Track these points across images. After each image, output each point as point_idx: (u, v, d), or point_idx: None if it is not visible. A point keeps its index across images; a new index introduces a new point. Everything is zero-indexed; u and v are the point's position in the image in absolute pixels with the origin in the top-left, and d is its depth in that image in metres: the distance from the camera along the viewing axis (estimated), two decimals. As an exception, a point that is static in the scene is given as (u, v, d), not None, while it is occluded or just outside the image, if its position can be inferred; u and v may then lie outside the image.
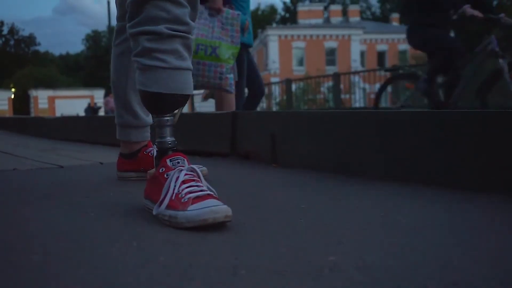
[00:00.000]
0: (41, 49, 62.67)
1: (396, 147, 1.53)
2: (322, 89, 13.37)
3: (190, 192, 1.03)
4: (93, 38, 55.99)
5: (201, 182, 1.08)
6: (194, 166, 1.11)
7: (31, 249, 0.86)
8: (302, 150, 1.89)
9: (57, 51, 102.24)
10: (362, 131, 1.65)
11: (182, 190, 1.04)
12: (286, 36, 32.71)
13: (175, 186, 1.06)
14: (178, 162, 1.13)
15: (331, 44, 33.06)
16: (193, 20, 1.23)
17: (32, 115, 20.32)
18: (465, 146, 1.35)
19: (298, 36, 32.90)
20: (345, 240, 0.88)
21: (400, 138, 1.52)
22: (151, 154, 1.69)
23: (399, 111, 1.63)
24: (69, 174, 1.92)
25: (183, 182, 1.06)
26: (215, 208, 0.97)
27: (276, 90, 13.78)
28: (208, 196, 1.02)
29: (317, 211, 1.14)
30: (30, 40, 53.06)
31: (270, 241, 0.88)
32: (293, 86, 12.67)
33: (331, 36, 33.09)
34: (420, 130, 1.47)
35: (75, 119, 4.69)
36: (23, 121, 6.21)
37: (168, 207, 1.03)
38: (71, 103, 29.14)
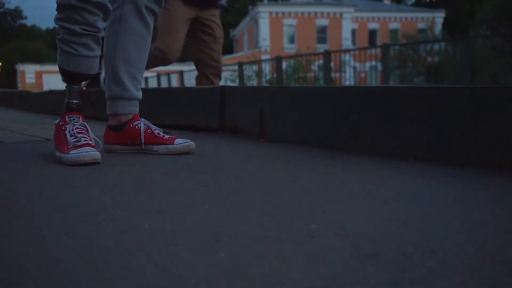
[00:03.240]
0: (28, 22, 61.54)
1: (381, 122, 1.54)
2: (312, 67, 13.32)
3: (75, 141, 1.45)
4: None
5: (88, 134, 1.50)
6: (85, 124, 1.53)
7: (15, 217, 0.87)
8: (289, 125, 1.89)
9: (44, 25, 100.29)
10: (348, 107, 1.66)
11: (72, 139, 1.46)
12: (277, 13, 32.37)
13: (66, 135, 1.48)
14: (74, 119, 1.54)
15: (322, 21, 32.81)
16: (106, 20, 1.61)
17: (19, 89, 20.08)
18: (449, 122, 1.36)
19: (290, 13, 32.58)
20: (328, 210, 0.89)
21: (385, 114, 1.53)
22: (137, 127, 1.69)
23: (384, 87, 1.64)
24: (56, 146, 1.91)
25: (73, 134, 1.47)
26: (85, 154, 1.40)
27: (267, 67, 13.72)
28: (87, 144, 1.44)
29: (302, 183, 1.15)
30: (16, 13, 51.93)
31: (254, 211, 0.89)
32: (284, 64, 12.61)
33: (322, 13, 32.81)
34: (405, 105, 1.48)
35: (62, 93, 4.64)
36: (10, 95, 6.13)
37: (59, 150, 1.47)
38: (59, 78, 28.72)
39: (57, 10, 1.54)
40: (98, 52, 1.61)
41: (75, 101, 1.61)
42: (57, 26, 1.57)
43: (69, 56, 1.56)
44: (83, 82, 1.69)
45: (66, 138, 1.47)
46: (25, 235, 0.75)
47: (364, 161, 1.43)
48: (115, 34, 1.70)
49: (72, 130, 1.49)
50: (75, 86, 1.62)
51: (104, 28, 1.76)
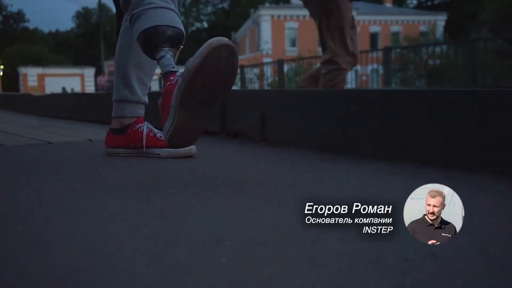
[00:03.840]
0: (30, 26, 61.79)
1: (382, 125, 1.54)
2: (314, 70, 13.29)
3: None
4: (83, 16, 55.12)
5: None
6: None
7: (16, 220, 0.87)
8: (291, 128, 1.89)
9: (46, 28, 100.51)
10: (350, 110, 1.66)
11: None
12: (279, 16, 32.40)
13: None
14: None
15: (324, 25, 32.77)
16: None
17: (22, 92, 20.16)
18: (450, 125, 1.36)
19: (291, 16, 32.60)
20: (329, 214, 0.89)
21: (386, 117, 1.53)
22: (140, 130, 1.69)
23: (384, 90, 1.64)
24: (58, 150, 1.92)
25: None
26: None
27: (268, 71, 13.72)
28: None
29: (303, 187, 1.15)
30: (19, 16, 52.15)
31: (254, 215, 0.89)
32: (285, 67, 12.61)
33: (324, 16, 32.78)
34: (405, 108, 1.48)
35: (64, 96, 4.65)
36: (11, 98, 6.15)
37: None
38: (61, 81, 28.85)
39: None
40: (176, 8, 1.45)
41: (173, 65, 1.34)
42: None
43: (147, 13, 1.39)
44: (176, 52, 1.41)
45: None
46: (26, 238, 0.75)
47: (365, 165, 1.43)
48: (129, 38, 1.69)
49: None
50: (167, 49, 1.36)
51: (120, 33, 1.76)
